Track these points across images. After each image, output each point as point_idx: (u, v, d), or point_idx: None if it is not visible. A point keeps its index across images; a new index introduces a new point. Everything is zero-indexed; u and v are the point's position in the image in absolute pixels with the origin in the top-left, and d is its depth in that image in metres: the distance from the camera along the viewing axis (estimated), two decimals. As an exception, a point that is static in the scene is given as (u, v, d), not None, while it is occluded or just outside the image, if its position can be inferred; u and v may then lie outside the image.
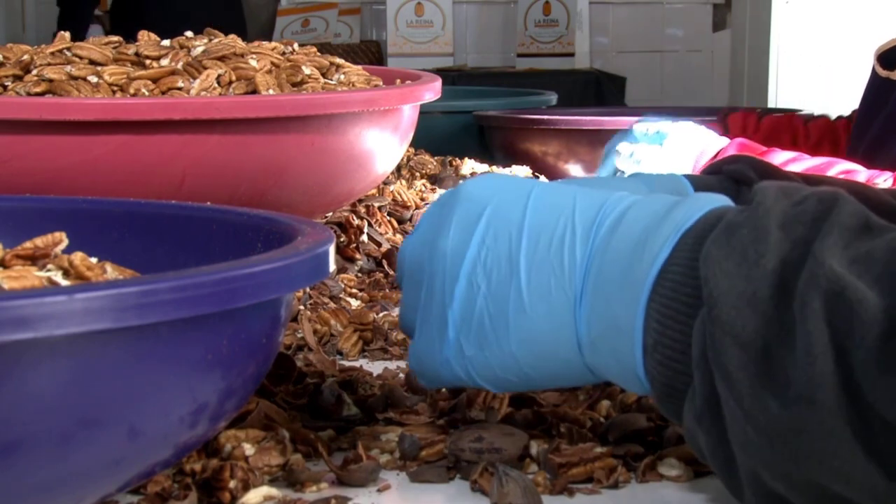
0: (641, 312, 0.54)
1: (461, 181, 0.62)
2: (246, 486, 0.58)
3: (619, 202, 0.57)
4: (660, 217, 0.55)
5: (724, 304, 0.49)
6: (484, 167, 1.63)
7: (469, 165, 1.62)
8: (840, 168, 1.21)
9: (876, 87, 1.51)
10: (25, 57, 0.96)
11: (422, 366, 0.61)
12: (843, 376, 0.45)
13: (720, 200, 0.56)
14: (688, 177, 0.81)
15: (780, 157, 1.25)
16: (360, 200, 1.17)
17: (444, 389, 0.72)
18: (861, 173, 1.20)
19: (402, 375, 0.77)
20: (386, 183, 1.29)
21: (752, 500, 0.51)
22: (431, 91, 1.05)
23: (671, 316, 0.53)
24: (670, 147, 1.35)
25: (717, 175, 0.83)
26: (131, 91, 0.93)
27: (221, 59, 0.98)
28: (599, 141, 1.70)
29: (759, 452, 0.48)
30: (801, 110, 1.81)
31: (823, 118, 1.64)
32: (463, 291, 0.59)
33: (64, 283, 0.53)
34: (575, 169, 1.69)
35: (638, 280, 0.54)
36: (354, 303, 0.97)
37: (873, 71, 1.52)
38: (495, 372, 0.59)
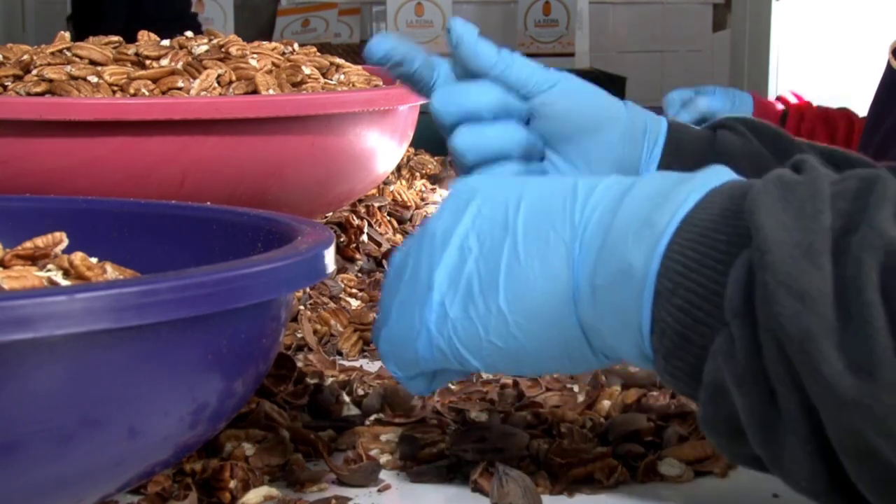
0: (659, 256, 0.50)
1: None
2: (246, 486, 0.58)
3: (624, 178, 0.55)
4: (682, 178, 0.53)
5: (779, 252, 0.46)
6: (484, 167, 1.63)
7: (469, 165, 1.62)
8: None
9: (890, 81, 1.50)
10: (25, 57, 0.96)
11: (395, 346, 0.58)
12: None
13: (737, 175, 0.53)
14: (672, 124, 0.77)
15: None
16: (360, 200, 1.17)
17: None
18: None
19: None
20: (386, 183, 1.29)
21: (803, 463, 0.47)
22: (431, 91, 1.05)
23: (698, 260, 0.49)
24: None
25: (706, 131, 0.78)
26: (131, 91, 0.93)
27: (221, 59, 0.98)
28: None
29: (815, 405, 0.45)
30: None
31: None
32: (453, 256, 0.56)
33: (64, 283, 0.53)
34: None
35: (658, 225, 0.51)
36: (354, 303, 0.97)
37: (888, 65, 1.51)
38: (479, 334, 0.55)
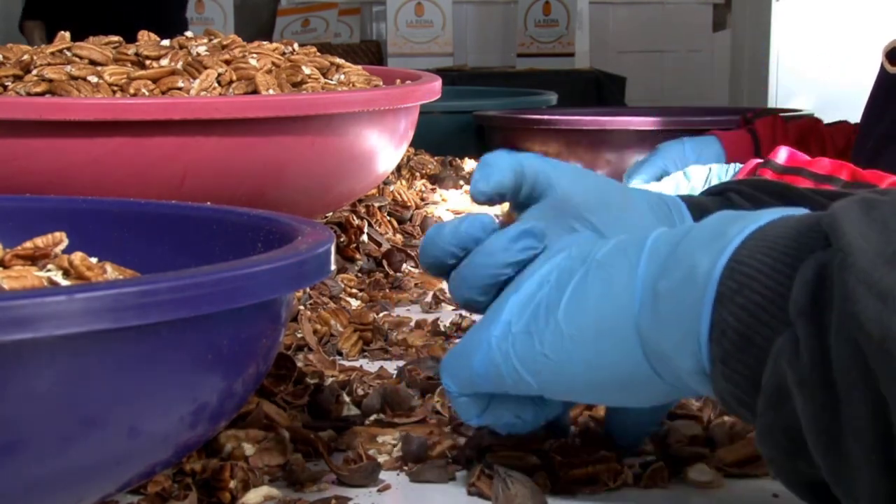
0: (724, 260, 0.50)
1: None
2: (246, 486, 0.58)
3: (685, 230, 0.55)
4: (749, 214, 0.53)
5: (862, 256, 0.45)
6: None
7: (469, 165, 1.62)
8: (890, 181, 1.18)
9: (884, 84, 1.50)
10: (25, 57, 0.96)
11: (455, 359, 0.58)
12: None
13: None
14: (682, 198, 0.74)
15: (826, 168, 1.23)
16: (360, 200, 1.17)
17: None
18: None
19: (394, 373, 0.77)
20: (386, 183, 1.29)
21: (864, 475, 0.46)
22: (431, 91, 1.05)
23: (767, 263, 0.49)
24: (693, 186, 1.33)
25: (716, 197, 0.74)
26: (131, 91, 0.92)
27: (222, 59, 0.98)
28: (599, 141, 1.70)
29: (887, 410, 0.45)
30: (811, 113, 1.80)
31: (844, 123, 1.62)
32: (532, 286, 0.57)
33: (64, 283, 0.53)
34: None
35: (729, 235, 0.51)
36: (354, 303, 0.98)
37: (882, 68, 1.51)
38: (534, 347, 0.55)
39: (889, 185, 1.15)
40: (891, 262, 0.45)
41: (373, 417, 0.69)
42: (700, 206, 0.70)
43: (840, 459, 0.46)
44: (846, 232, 0.47)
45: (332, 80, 1.04)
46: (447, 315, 0.94)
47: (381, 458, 0.64)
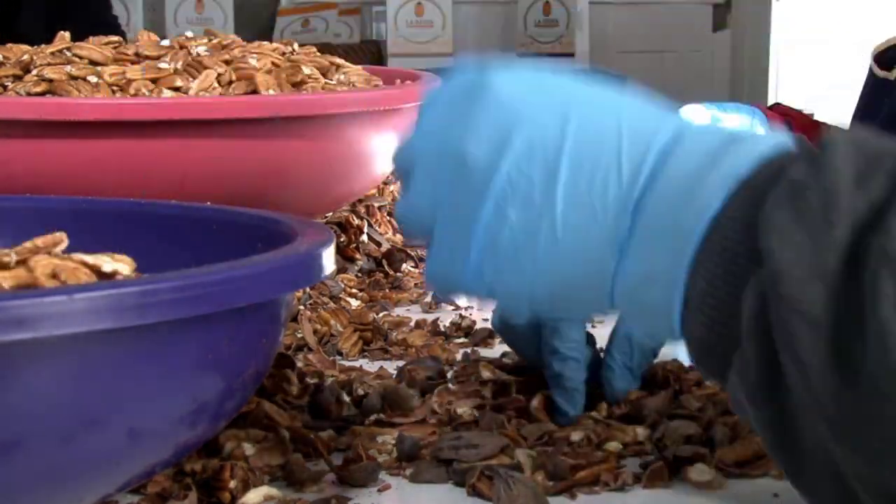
0: (686, 266, 0.49)
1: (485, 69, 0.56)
2: (246, 486, 0.59)
3: (667, 134, 0.51)
4: (711, 158, 0.50)
5: (790, 278, 0.44)
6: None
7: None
8: None
9: (873, 87, 1.51)
10: (25, 57, 0.95)
11: (439, 282, 0.56)
12: None
13: (777, 142, 0.50)
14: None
15: None
16: (360, 200, 1.17)
17: None
18: None
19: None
20: (386, 183, 1.29)
21: (815, 482, 0.47)
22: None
23: (721, 276, 0.48)
24: None
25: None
26: (131, 91, 0.92)
27: (222, 59, 0.98)
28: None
29: (830, 444, 0.44)
30: (811, 114, 1.82)
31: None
32: (490, 216, 0.53)
33: (64, 283, 0.53)
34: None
35: (685, 230, 0.49)
36: (354, 303, 0.98)
37: (870, 71, 1.52)
38: (513, 299, 0.54)
39: None
40: (821, 277, 0.44)
41: (373, 417, 0.69)
42: None
43: (790, 458, 0.47)
44: (772, 249, 0.45)
45: (332, 80, 1.04)
46: (447, 315, 0.94)
47: (381, 458, 0.64)
